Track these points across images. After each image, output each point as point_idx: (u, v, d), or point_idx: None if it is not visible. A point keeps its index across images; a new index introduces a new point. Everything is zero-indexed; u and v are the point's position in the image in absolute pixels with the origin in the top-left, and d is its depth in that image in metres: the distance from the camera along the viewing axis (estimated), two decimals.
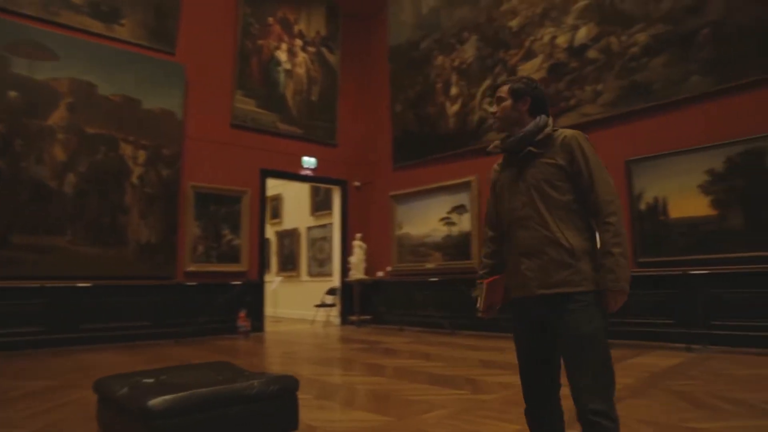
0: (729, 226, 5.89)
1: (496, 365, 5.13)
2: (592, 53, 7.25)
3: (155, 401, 2.24)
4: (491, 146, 2.05)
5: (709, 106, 6.17)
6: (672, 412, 3.18)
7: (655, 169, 6.57)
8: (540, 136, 1.91)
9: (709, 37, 6.17)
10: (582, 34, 7.37)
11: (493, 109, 2.03)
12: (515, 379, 4.25)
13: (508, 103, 1.98)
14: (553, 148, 1.89)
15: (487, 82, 8.61)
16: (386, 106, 10.48)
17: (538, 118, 1.95)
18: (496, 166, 2.11)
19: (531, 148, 1.91)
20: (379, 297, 10.01)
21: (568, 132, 1.92)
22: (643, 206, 6.64)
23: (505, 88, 2.01)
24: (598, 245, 1.82)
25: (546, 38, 7.79)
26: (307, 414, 3.08)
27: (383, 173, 10.53)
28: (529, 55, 8.02)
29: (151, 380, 2.63)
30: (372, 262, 10.29)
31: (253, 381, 2.58)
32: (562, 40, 7.60)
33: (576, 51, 7.43)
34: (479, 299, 1.96)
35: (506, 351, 6.10)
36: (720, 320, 5.70)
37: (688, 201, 6.24)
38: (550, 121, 1.95)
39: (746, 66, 5.90)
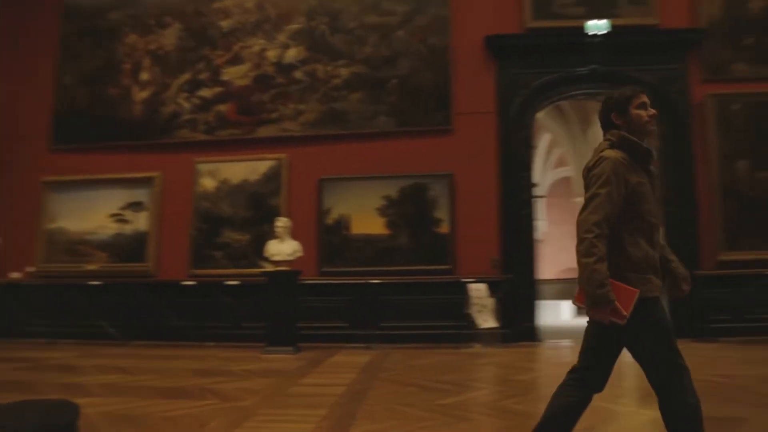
0: (398, 244, 7.13)
1: (213, 373, 4.85)
2: (298, 74, 7.75)
3: None
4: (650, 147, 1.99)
5: (391, 143, 7.37)
6: (411, 395, 3.68)
7: (342, 190, 7.42)
8: (652, 159, 1.98)
9: (397, 86, 7.42)
10: (291, 53, 7.81)
11: (652, 112, 1.96)
12: (251, 385, 4.23)
13: None
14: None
15: (187, 76, 8.17)
16: (50, 72, 8.73)
17: None
18: (622, 159, 1.89)
19: (653, 168, 1.99)
20: (16, 304, 8.11)
21: None
22: (330, 221, 7.38)
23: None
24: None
25: (256, 48, 7.93)
26: None
27: (34, 153, 8.66)
28: (236, 60, 7.99)
29: None
30: (5, 261, 8.31)
31: (25, 412, 1.85)
32: (271, 54, 7.86)
33: (284, 68, 7.81)
34: (630, 302, 1.82)
35: (206, 359, 5.85)
36: (388, 322, 6.80)
37: (367, 220, 7.27)
38: None
39: (420, 117, 7.33)
